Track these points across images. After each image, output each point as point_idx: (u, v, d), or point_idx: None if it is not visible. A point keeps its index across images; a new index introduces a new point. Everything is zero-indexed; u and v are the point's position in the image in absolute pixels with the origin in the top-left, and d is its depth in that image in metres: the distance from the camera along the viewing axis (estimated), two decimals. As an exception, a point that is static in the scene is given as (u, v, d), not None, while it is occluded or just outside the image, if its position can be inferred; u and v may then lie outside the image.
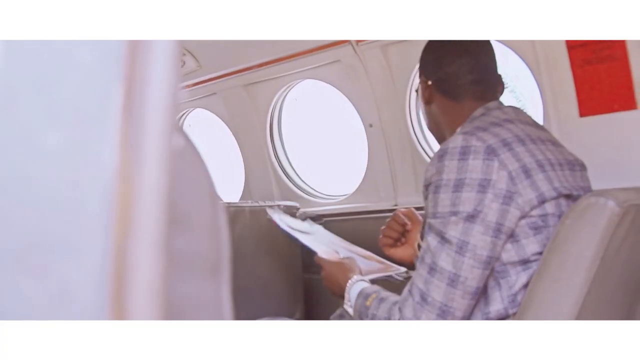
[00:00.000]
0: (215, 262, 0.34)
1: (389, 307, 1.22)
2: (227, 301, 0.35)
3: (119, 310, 0.22)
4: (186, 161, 0.33)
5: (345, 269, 1.41)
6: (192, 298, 0.33)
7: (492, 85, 1.34)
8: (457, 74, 1.32)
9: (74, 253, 0.22)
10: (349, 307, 1.33)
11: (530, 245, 1.14)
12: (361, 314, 1.27)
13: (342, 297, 1.36)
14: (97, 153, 0.23)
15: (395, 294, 1.25)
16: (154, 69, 0.24)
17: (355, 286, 1.33)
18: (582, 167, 1.30)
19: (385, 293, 1.27)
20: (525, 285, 1.15)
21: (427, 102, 1.37)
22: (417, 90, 1.45)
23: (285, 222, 1.83)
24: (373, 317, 1.23)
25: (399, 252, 1.52)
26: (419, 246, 1.26)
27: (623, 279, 1.20)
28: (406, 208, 1.57)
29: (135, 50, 0.24)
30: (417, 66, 1.43)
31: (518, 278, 1.15)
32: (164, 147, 0.24)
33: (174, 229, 0.31)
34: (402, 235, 1.52)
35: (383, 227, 1.54)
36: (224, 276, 0.35)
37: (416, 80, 2.00)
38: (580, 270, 1.08)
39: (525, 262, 1.15)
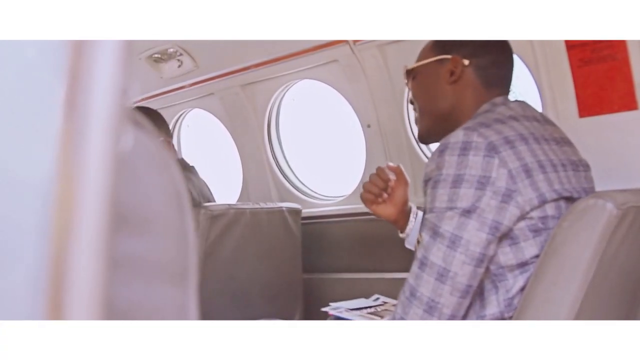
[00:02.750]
0: (180, 268, 0.33)
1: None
2: (194, 308, 0.34)
3: (56, 317, 0.21)
4: (148, 164, 0.32)
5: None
6: (153, 304, 0.32)
7: (510, 83, 1.33)
8: (497, 63, 1.30)
9: (10, 258, 0.21)
10: None
11: (529, 248, 1.12)
12: None
13: None
14: (36, 152, 0.22)
15: None
16: (99, 68, 0.23)
17: None
18: (586, 167, 1.27)
19: None
20: (522, 289, 1.13)
21: (454, 81, 1.29)
22: (408, 72, 1.37)
23: (344, 307, 1.71)
24: None
25: (380, 209, 1.45)
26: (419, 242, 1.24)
27: (621, 281, 1.19)
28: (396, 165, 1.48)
29: (80, 49, 0.23)
30: (433, 43, 1.34)
31: (515, 282, 1.13)
32: (109, 147, 0.23)
33: (133, 233, 0.30)
34: (384, 191, 1.45)
35: (365, 182, 1.47)
36: (189, 283, 0.34)
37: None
38: (578, 273, 1.06)
39: (523, 265, 1.13)
